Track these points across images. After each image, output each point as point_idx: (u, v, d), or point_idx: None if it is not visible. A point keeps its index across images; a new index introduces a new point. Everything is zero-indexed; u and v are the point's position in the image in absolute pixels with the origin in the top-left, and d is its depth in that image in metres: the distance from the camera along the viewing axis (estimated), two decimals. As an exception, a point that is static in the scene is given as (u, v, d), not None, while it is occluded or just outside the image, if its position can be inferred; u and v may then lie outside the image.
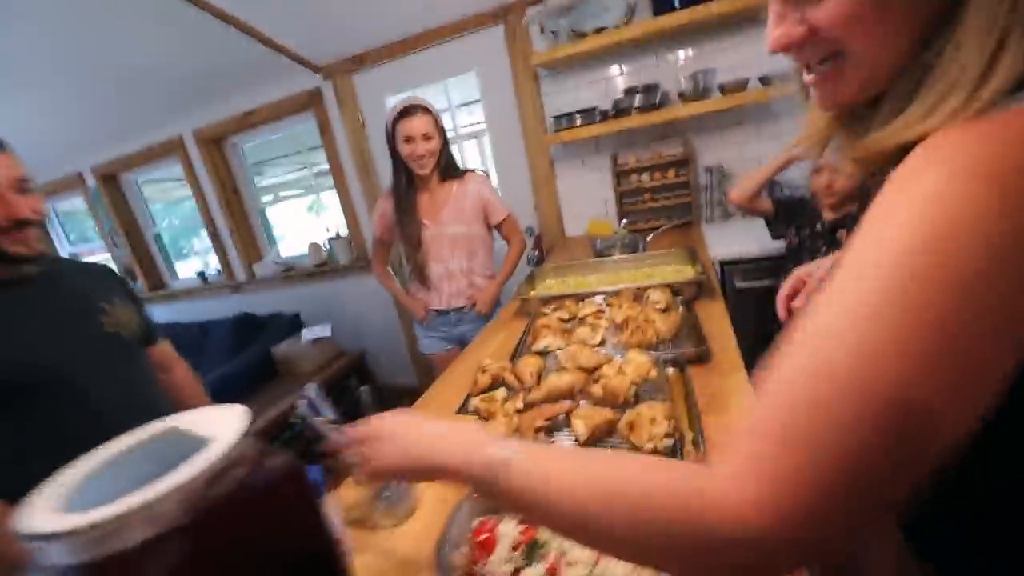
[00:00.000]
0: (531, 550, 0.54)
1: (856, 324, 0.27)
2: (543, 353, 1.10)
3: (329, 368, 2.79)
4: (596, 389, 0.80)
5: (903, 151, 0.31)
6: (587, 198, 2.52)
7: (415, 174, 1.72)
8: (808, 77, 0.40)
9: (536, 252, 2.65)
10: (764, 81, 1.94)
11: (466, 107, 2.75)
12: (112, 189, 3.55)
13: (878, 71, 0.35)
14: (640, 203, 2.34)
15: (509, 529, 0.57)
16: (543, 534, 0.56)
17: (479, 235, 1.84)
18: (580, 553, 0.52)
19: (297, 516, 0.43)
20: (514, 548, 0.55)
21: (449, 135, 2.79)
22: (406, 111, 1.65)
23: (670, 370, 0.92)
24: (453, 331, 1.88)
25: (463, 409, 0.94)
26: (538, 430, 0.74)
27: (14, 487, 0.46)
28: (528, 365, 0.97)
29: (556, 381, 0.85)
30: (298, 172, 3.32)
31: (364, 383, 2.97)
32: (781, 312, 0.73)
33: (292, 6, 2.18)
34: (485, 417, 0.88)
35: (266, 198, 3.43)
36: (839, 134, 0.43)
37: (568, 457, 0.38)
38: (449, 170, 1.77)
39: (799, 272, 0.74)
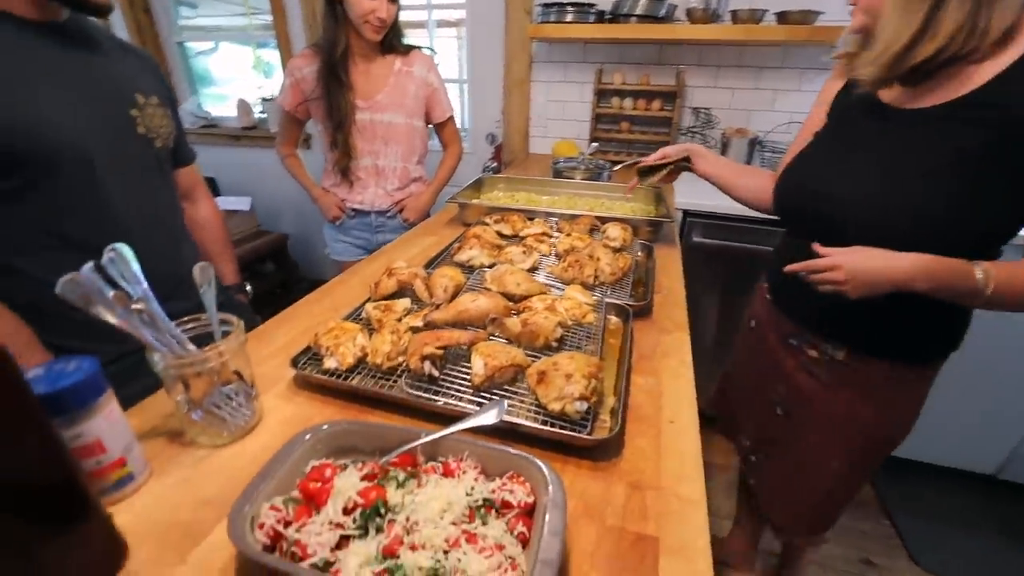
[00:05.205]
0: (368, 517, 0.39)
1: None
2: (466, 267, 0.92)
3: (243, 246, 2.48)
4: (514, 323, 0.65)
5: None
6: (561, 114, 2.25)
7: (356, 39, 1.39)
8: None
9: (495, 163, 2.40)
10: (782, 18, 1.70)
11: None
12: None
13: None
14: (616, 131, 2.11)
15: (349, 484, 0.42)
16: (393, 498, 0.41)
17: (419, 130, 1.54)
18: (432, 533, 0.38)
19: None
20: (347, 511, 0.40)
21: (421, 17, 2.36)
22: None
23: (613, 318, 0.78)
24: (373, 238, 1.62)
25: (355, 315, 0.77)
26: (424, 358, 0.58)
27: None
28: (443, 276, 0.79)
29: (469, 303, 0.69)
30: (242, 18, 2.73)
31: (281, 270, 2.70)
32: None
33: None
34: (375, 328, 0.71)
35: (204, 45, 2.84)
36: None
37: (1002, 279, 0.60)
38: (394, 41, 1.44)
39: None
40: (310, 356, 0.66)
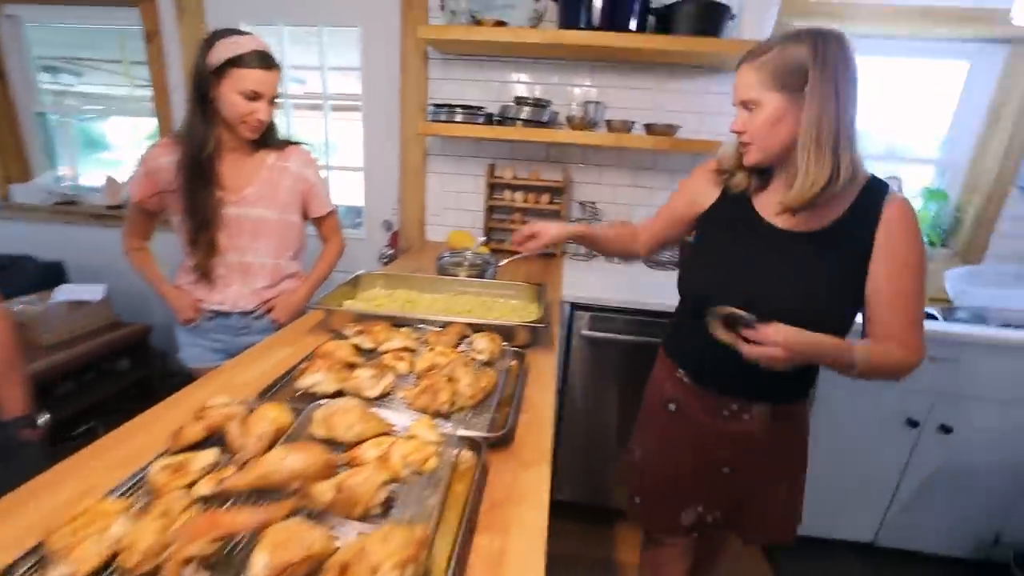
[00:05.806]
0: None
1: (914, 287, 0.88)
2: (306, 398, 0.80)
3: (93, 341, 2.13)
4: (323, 490, 0.54)
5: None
6: (456, 204, 2.28)
7: (227, 134, 1.29)
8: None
9: (391, 250, 2.34)
10: (649, 129, 1.89)
11: (337, 72, 2.33)
12: None
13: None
14: (509, 222, 2.16)
15: None
16: None
17: (294, 224, 1.44)
18: None
19: None
20: None
21: (317, 103, 2.35)
22: (259, 57, 1.21)
23: (466, 454, 0.70)
24: (235, 341, 1.43)
25: (138, 478, 0.61)
26: (186, 562, 0.45)
27: None
28: (261, 422, 0.66)
29: (277, 461, 0.57)
30: (127, 88, 2.54)
31: (139, 366, 2.34)
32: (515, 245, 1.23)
33: None
34: (154, 496, 0.56)
35: (92, 109, 2.61)
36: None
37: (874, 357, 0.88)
38: (268, 137, 1.36)
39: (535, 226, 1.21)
40: (38, 560, 0.49)
